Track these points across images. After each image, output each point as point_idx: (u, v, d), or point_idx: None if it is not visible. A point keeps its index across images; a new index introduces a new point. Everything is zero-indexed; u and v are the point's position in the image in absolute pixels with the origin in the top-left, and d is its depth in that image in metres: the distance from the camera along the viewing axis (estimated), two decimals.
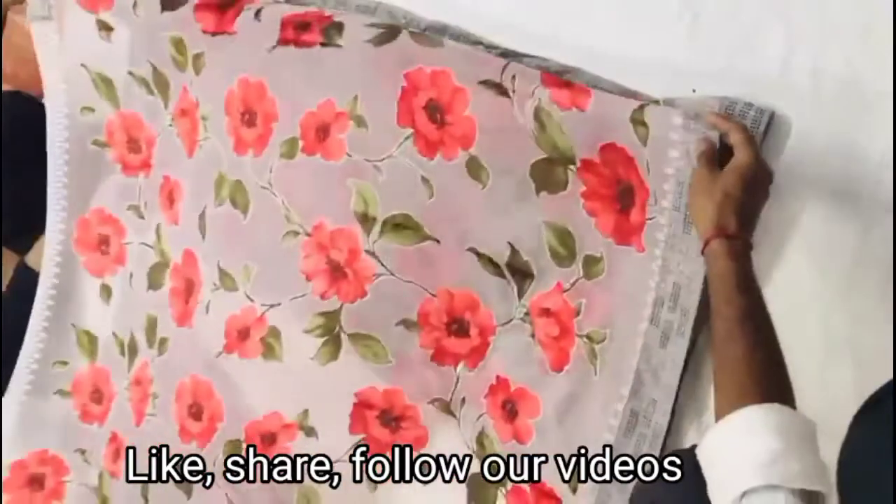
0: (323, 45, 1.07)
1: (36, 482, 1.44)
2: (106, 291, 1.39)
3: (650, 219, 0.92)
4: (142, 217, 1.35)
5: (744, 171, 0.76)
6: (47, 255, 1.42)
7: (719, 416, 0.66)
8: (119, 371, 1.36)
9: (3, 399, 1.44)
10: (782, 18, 0.87)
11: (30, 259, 1.47)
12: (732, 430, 0.65)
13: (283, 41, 1.10)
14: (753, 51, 0.89)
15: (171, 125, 1.28)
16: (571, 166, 0.96)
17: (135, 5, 1.24)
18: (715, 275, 0.74)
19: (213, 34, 1.18)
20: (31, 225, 1.45)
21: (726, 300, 0.71)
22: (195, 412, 1.23)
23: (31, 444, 1.45)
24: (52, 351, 1.43)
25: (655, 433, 0.92)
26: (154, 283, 1.31)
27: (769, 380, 0.67)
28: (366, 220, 1.07)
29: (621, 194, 0.95)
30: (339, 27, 1.07)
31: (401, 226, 1.06)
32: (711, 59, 0.91)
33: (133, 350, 1.34)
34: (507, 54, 1.01)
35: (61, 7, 1.29)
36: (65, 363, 1.43)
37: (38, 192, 1.42)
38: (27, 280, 1.45)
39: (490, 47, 1.03)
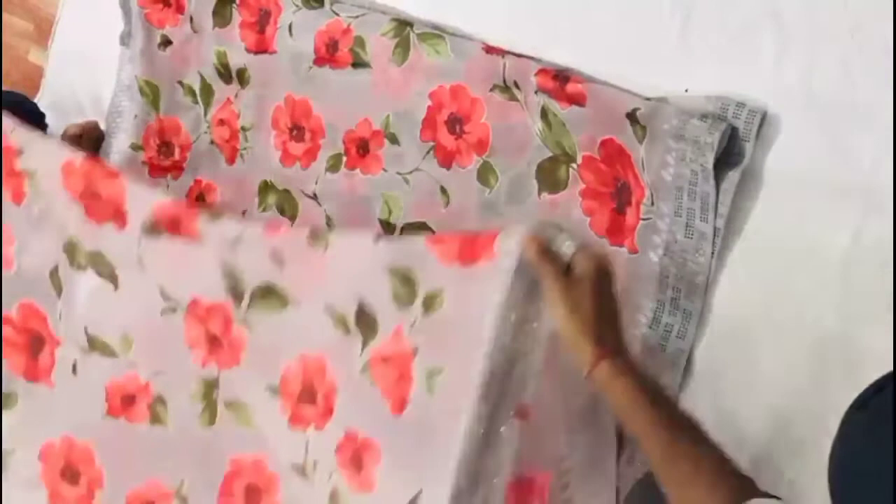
0: (354, 65, 1.16)
1: None
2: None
3: (646, 219, 0.92)
4: None
5: (595, 281, 0.70)
6: None
7: None
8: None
9: None
10: (774, 17, 0.87)
11: None
12: None
13: (318, 61, 1.20)
14: (745, 50, 0.88)
15: (206, 132, 1.35)
16: (573, 164, 0.98)
17: (191, 21, 1.33)
18: (621, 396, 0.68)
19: (256, 53, 1.27)
20: None
21: (647, 418, 0.67)
22: (70, 476, 1.07)
23: None
24: None
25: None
26: None
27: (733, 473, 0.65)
28: (388, 227, 1.14)
29: (618, 193, 0.95)
30: (362, 43, 1.14)
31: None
32: (703, 59, 0.91)
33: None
34: (504, 54, 1.02)
35: (136, 29, 1.37)
36: None
37: None
38: None
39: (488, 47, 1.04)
